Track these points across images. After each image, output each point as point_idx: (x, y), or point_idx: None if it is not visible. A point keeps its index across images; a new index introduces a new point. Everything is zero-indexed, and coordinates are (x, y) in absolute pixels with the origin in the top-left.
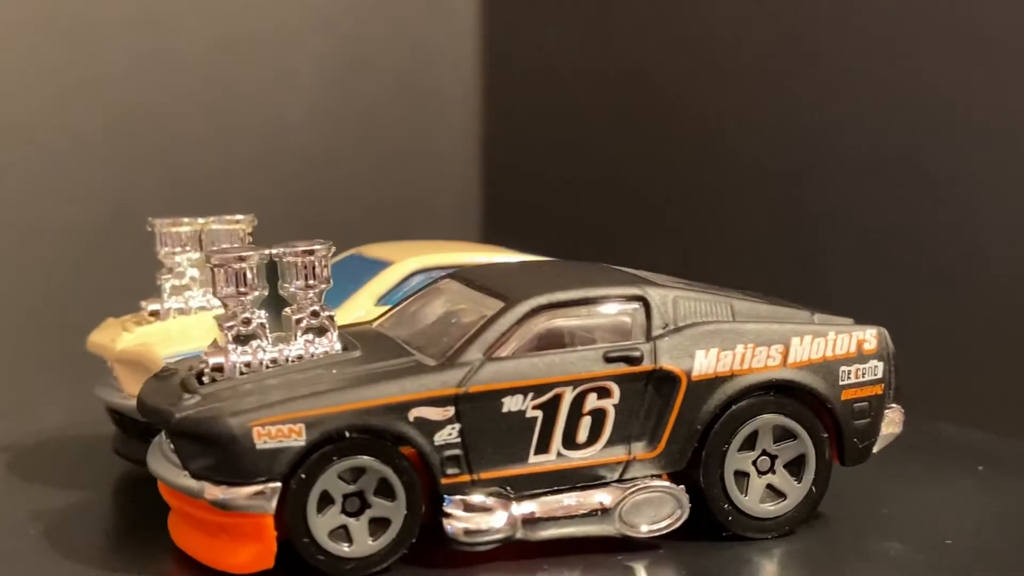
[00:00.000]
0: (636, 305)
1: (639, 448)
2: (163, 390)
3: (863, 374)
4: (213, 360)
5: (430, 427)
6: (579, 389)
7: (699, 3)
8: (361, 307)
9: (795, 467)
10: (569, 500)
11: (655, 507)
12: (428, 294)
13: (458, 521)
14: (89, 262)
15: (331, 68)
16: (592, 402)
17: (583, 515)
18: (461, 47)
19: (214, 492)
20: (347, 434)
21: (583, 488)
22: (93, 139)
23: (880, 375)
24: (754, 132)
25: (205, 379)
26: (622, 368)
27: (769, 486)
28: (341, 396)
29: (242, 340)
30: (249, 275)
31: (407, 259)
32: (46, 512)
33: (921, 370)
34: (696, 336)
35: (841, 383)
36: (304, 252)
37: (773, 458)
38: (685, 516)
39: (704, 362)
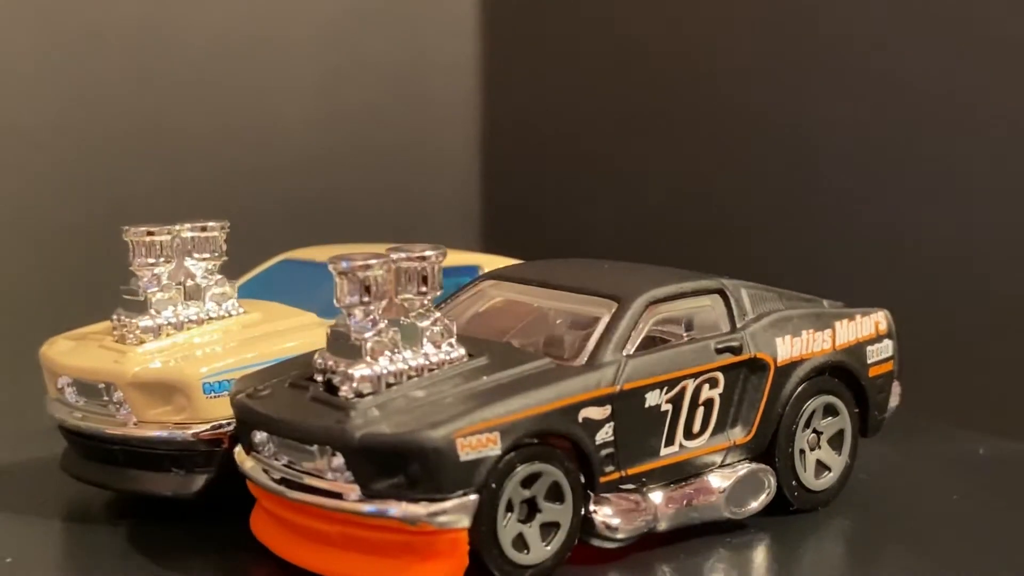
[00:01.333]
0: (716, 297)
1: (736, 434)
2: (299, 408)
3: (881, 353)
4: (359, 371)
5: (593, 427)
6: (697, 381)
7: (700, 2)
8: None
9: (836, 442)
10: (689, 488)
11: (753, 488)
12: (479, 296)
13: (611, 517)
14: (89, 262)
15: (330, 69)
16: (705, 393)
17: (702, 502)
18: (461, 48)
19: (410, 509)
20: (530, 440)
21: (697, 476)
22: (93, 140)
23: (891, 352)
24: (755, 132)
25: (343, 391)
26: (727, 358)
27: (818, 461)
28: (522, 401)
29: (381, 350)
30: (375, 283)
31: None
32: (46, 512)
33: (921, 370)
34: (771, 325)
35: (868, 361)
36: (418, 258)
37: (819, 435)
38: (773, 493)
39: (784, 348)
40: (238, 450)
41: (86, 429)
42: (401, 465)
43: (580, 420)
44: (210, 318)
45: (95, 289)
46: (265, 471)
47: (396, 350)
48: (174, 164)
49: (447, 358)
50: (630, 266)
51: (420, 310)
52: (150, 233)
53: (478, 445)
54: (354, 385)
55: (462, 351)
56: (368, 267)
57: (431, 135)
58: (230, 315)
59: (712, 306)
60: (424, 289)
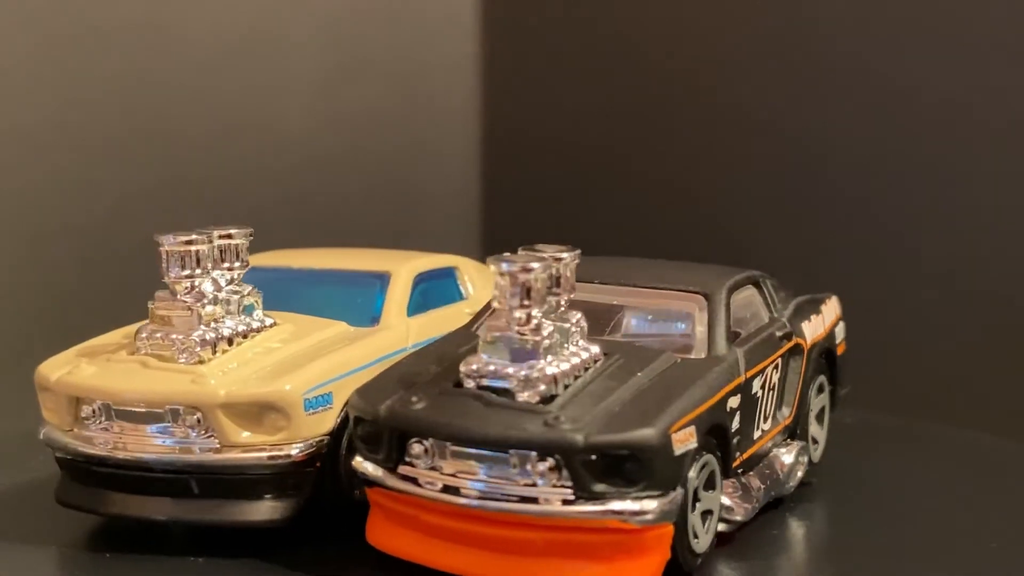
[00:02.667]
0: (754, 288)
1: (784, 415)
2: (482, 415)
3: (840, 334)
4: (539, 374)
5: (731, 416)
6: (771, 367)
7: (700, 3)
8: None
9: (819, 418)
10: (767, 468)
11: (797, 462)
12: None
13: (731, 502)
14: (89, 262)
15: (330, 70)
16: (772, 378)
17: (776, 480)
18: (461, 49)
19: (634, 507)
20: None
21: (766, 456)
22: (93, 140)
23: (845, 333)
24: (755, 133)
25: (525, 395)
26: (785, 344)
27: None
28: (700, 395)
29: (552, 352)
30: (535, 286)
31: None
32: (46, 511)
33: (921, 370)
34: (795, 311)
35: (836, 342)
36: (554, 259)
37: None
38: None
39: (808, 332)
40: (359, 461)
41: (137, 460)
42: (621, 464)
43: (727, 410)
44: (251, 330)
45: (96, 289)
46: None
47: (561, 351)
48: (173, 165)
49: (590, 357)
50: (675, 263)
51: (560, 311)
52: (188, 242)
53: (685, 439)
54: (540, 389)
55: (597, 349)
56: (528, 270)
57: (431, 136)
58: (265, 326)
59: (753, 296)
60: (557, 290)
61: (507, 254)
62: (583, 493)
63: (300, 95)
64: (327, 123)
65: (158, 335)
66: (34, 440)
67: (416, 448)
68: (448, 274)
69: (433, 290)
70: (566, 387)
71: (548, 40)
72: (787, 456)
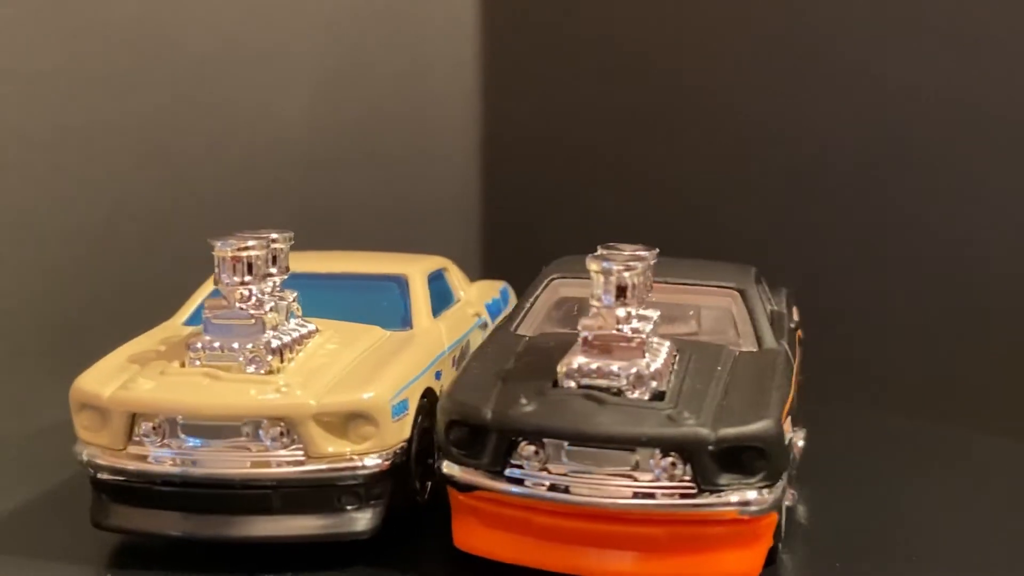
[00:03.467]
0: (759, 282)
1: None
2: (601, 415)
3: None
4: (649, 372)
5: (793, 406)
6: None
7: (700, 6)
8: None
9: None
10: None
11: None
12: (569, 299)
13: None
14: (88, 262)
15: (330, 73)
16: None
17: (794, 464)
18: (461, 52)
19: (759, 498)
20: None
21: None
22: (93, 140)
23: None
24: (755, 134)
25: (636, 393)
26: (798, 335)
27: None
28: (784, 387)
29: (652, 350)
30: (635, 283)
31: None
32: (45, 511)
33: (921, 370)
34: (786, 301)
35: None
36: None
37: None
38: None
39: (795, 320)
40: (450, 465)
41: (212, 477)
42: (740, 456)
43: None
44: (303, 337)
45: (95, 290)
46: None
47: (652, 349)
48: (173, 168)
49: (666, 353)
50: (683, 260)
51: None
52: (245, 248)
53: (788, 429)
54: (652, 386)
55: (668, 344)
56: (630, 268)
57: (431, 137)
58: (312, 332)
59: (761, 290)
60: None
61: (603, 252)
62: (707, 486)
63: (300, 96)
64: (327, 124)
65: (216, 345)
66: (34, 443)
67: (527, 449)
68: (440, 276)
69: (435, 292)
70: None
71: (548, 42)
72: (800, 441)
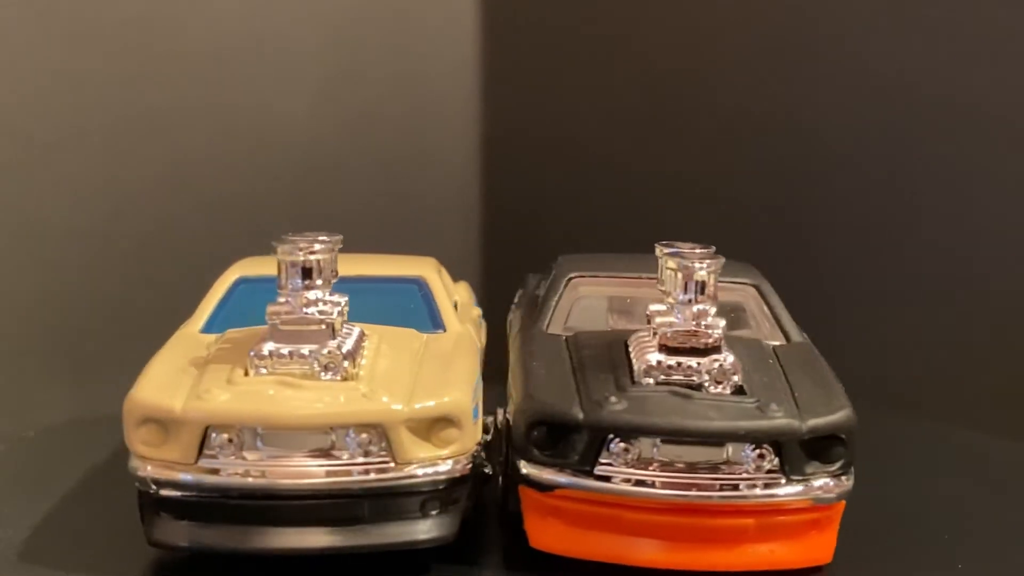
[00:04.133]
0: None
1: None
2: (694, 410)
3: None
4: (730, 366)
5: None
6: None
7: (700, 5)
8: None
9: None
10: None
11: None
12: (583, 294)
13: None
14: (89, 263)
15: (330, 72)
16: None
17: None
18: (461, 51)
19: (843, 485)
20: None
21: None
22: (93, 139)
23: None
24: (756, 133)
25: (718, 388)
26: None
27: None
28: (834, 376)
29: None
30: (709, 281)
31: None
32: (45, 512)
33: (921, 370)
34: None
35: None
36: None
37: None
38: None
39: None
40: (530, 466)
41: (298, 488)
42: (822, 445)
43: None
44: (358, 341)
45: (95, 290)
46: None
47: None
48: (174, 168)
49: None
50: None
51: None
52: (313, 252)
53: None
54: (734, 380)
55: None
56: (706, 266)
57: (432, 138)
58: (362, 336)
59: None
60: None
61: (677, 247)
62: (794, 475)
63: (301, 97)
64: (328, 125)
65: (286, 352)
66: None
67: (618, 447)
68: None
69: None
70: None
71: (549, 42)
72: None
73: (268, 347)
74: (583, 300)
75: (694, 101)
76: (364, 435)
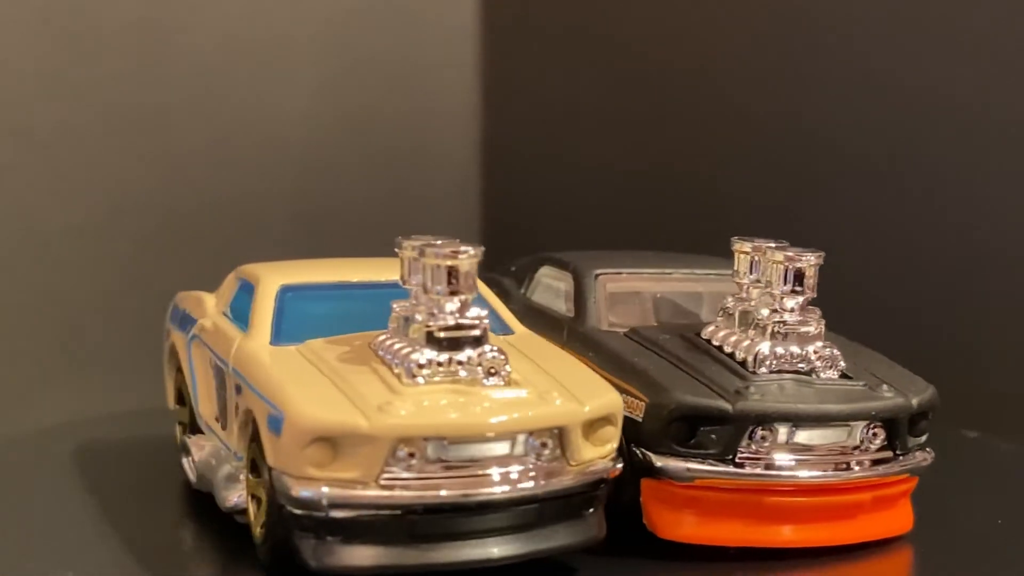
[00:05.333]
0: None
1: None
2: (822, 395)
3: None
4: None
5: None
6: None
7: (700, 4)
8: None
9: None
10: None
11: None
12: (621, 293)
13: None
14: (89, 262)
15: (330, 70)
16: None
17: None
18: (461, 48)
19: (925, 457)
20: None
21: None
22: (92, 138)
23: None
24: (756, 132)
25: (828, 373)
26: None
27: None
28: None
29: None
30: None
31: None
32: (46, 511)
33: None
34: None
35: None
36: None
37: None
38: None
39: None
40: (660, 459)
41: (487, 498)
42: (915, 422)
43: None
44: None
45: (95, 290)
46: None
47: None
48: (174, 167)
49: None
50: (689, 255)
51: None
52: (457, 256)
53: None
54: (841, 366)
55: None
56: (813, 259)
57: (431, 137)
58: None
59: None
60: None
61: (761, 241)
62: (900, 451)
63: (300, 97)
64: (327, 124)
65: (443, 359)
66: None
67: (759, 434)
68: None
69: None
70: None
71: (548, 41)
72: None
73: (427, 355)
74: (616, 296)
75: (695, 99)
76: (541, 439)
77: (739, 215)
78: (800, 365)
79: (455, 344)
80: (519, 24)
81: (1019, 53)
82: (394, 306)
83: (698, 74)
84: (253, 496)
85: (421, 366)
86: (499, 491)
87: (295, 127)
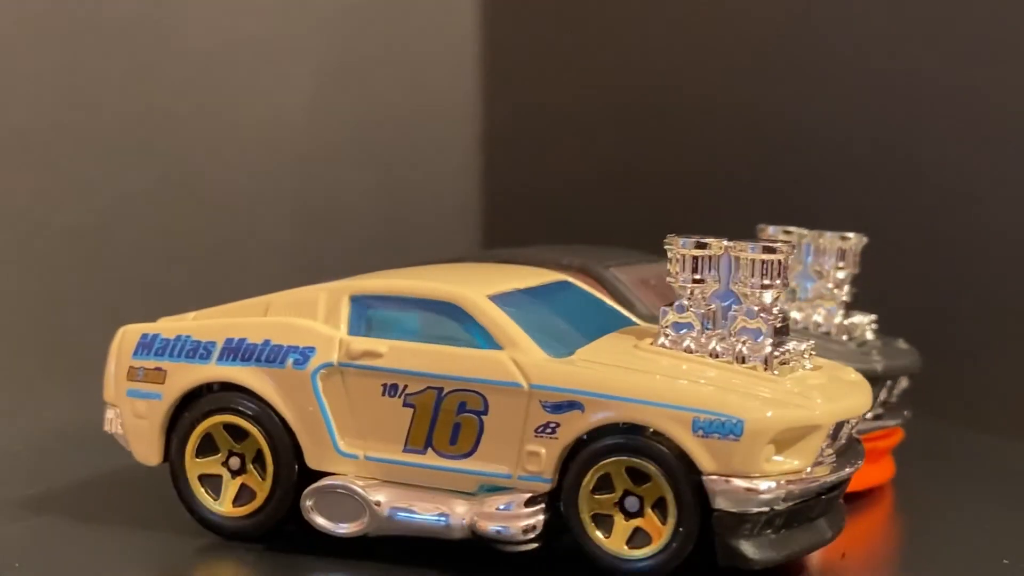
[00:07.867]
0: None
1: None
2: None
3: None
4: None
5: None
6: None
7: (700, 3)
8: None
9: None
10: None
11: None
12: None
13: None
14: (88, 262)
15: (330, 68)
16: None
17: None
18: (461, 45)
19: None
20: None
21: None
22: (92, 139)
23: None
24: (756, 132)
25: None
26: None
27: None
28: None
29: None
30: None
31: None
32: (46, 512)
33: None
34: None
35: None
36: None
37: None
38: None
39: None
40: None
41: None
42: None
43: None
44: None
45: (95, 290)
46: None
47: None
48: (173, 167)
49: None
50: None
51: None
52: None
53: None
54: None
55: None
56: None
57: (431, 133)
58: None
59: None
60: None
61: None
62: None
63: (300, 94)
64: (327, 121)
65: (782, 348)
66: (33, 441)
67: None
68: None
69: None
70: None
71: (548, 37)
72: None
73: (768, 346)
74: (636, 289)
75: (695, 97)
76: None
77: (743, 212)
78: None
79: (785, 333)
80: (519, 23)
81: (1020, 53)
82: (665, 309)
83: (700, 70)
84: (596, 515)
85: (774, 357)
86: (848, 472)
87: (296, 126)
